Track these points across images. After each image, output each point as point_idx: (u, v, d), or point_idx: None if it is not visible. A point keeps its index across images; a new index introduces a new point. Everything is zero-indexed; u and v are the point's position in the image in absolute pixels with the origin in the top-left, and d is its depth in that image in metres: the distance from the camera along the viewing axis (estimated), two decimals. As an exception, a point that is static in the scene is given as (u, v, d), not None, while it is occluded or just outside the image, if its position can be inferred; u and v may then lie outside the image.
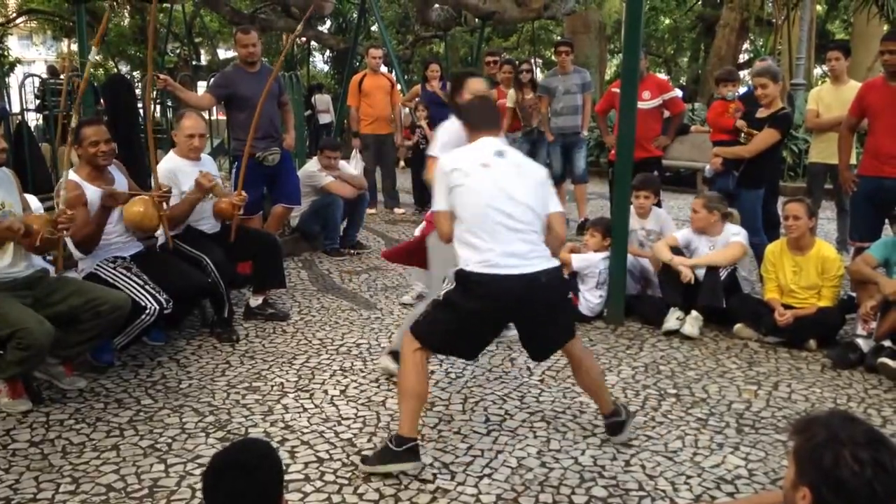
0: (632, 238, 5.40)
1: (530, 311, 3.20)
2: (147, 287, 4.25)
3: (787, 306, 4.78)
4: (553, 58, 8.66)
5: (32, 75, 7.42)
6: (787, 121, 5.63)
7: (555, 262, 3.24)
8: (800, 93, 10.83)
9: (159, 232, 4.81)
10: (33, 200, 4.40)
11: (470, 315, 3.15)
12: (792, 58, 12.55)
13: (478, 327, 3.25)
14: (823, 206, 7.13)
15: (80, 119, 4.15)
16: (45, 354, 3.68)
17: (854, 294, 4.83)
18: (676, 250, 5.14)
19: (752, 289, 5.43)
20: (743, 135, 5.77)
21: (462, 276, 3.14)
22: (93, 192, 4.26)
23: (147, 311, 4.16)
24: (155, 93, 9.84)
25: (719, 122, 6.37)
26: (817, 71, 19.93)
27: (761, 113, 5.67)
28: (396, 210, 9.34)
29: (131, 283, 4.23)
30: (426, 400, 3.39)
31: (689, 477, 3.21)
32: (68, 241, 4.27)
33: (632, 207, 5.50)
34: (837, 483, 1.68)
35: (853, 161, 5.75)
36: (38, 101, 8.87)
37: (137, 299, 4.14)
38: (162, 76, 5.58)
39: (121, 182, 4.48)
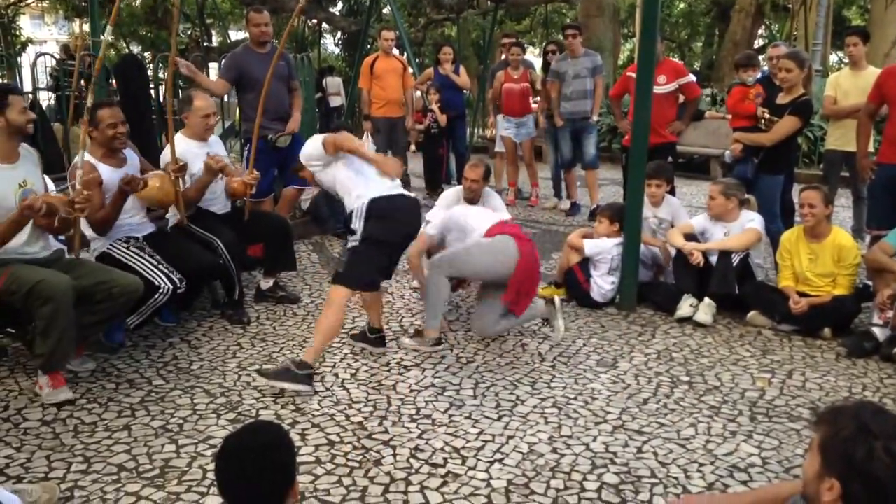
0: (644, 226, 5.35)
1: None
2: (160, 267, 4.24)
3: (802, 294, 4.74)
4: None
5: (45, 54, 7.39)
6: (808, 108, 5.55)
7: None
8: (816, 79, 10.72)
9: (170, 214, 4.81)
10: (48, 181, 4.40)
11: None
12: (808, 43, 12.42)
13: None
14: (839, 193, 7.07)
15: (94, 99, 4.13)
16: (70, 308, 3.57)
17: (870, 282, 4.78)
18: (692, 237, 5.11)
19: (767, 276, 5.39)
20: (763, 122, 5.69)
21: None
22: (108, 173, 4.25)
23: (160, 291, 4.15)
24: (163, 74, 9.82)
25: (740, 108, 6.28)
26: (833, 57, 19.74)
27: (781, 99, 5.60)
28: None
29: (145, 262, 4.23)
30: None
31: (701, 465, 3.19)
32: (83, 221, 4.26)
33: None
34: (869, 476, 1.66)
35: (871, 148, 5.68)
36: (51, 81, 8.86)
37: (151, 279, 4.13)
38: (183, 61, 5.55)
39: (133, 161, 4.47)
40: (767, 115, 5.66)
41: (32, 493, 2.78)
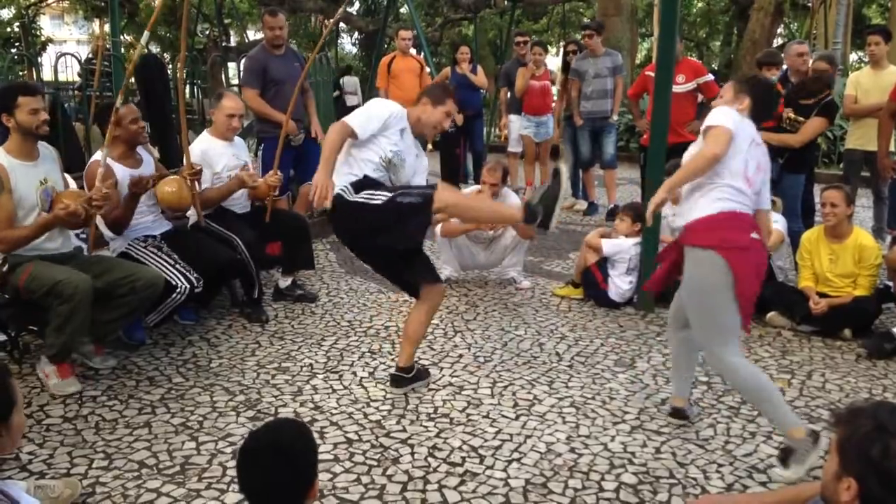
0: (662, 224, 5.33)
1: None
2: (178, 266, 4.27)
3: (822, 295, 4.70)
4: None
5: (66, 54, 7.46)
6: (835, 109, 5.54)
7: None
8: (836, 78, 10.62)
9: (190, 212, 4.84)
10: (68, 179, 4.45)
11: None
12: (828, 42, 12.33)
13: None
14: (859, 193, 7.00)
15: (122, 99, 4.17)
16: (88, 308, 3.61)
17: (891, 283, 4.74)
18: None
19: (786, 276, 5.36)
20: (788, 122, 5.64)
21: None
22: (123, 173, 4.29)
23: (178, 290, 4.18)
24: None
25: None
26: (853, 56, 19.59)
27: (806, 99, 5.56)
28: (424, 193, 9.30)
29: (162, 262, 4.26)
30: None
31: (720, 465, 3.18)
32: (99, 221, 4.31)
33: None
34: (886, 474, 1.66)
35: (892, 147, 5.64)
36: (79, 80, 8.94)
37: (168, 278, 4.16)
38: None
39: (148, 162, 4.52)
40: (793, 116, 5.62)
41: (55, 489, 2.81)
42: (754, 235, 3.18)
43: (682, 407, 3.55)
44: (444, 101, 3.81)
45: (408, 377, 3.84)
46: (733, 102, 3.27)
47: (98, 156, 4.30)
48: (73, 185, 4.25)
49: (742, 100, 3.26)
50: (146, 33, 4.53)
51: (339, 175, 3.64)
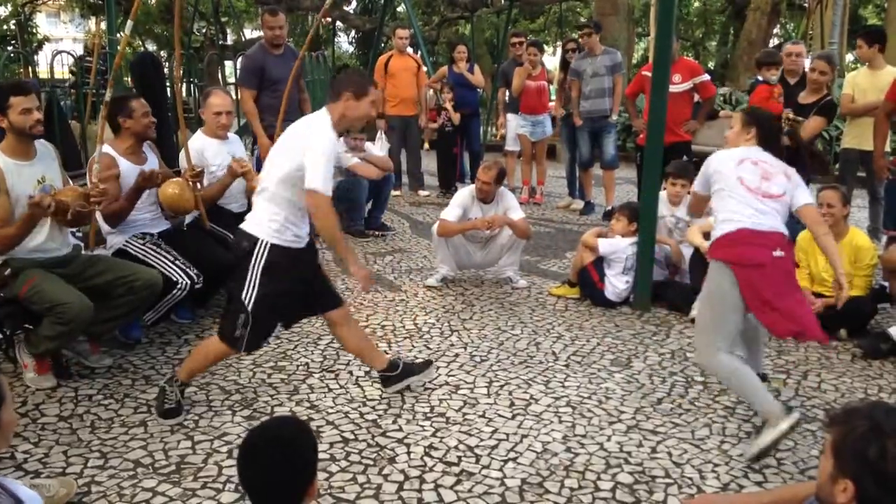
0: (659, 225, 5.33)
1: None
2: (177, 262, 4.26)
3: (817, 295, 4.71)
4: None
5: (63, 52, 7.44)
6: (834, 109, 5.58)
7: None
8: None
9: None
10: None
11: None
12: (824, 42, 12.35)
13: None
14: (854, 193, 7.01)
15: (115, 92, 4.16)
16: (80, 331, 3.69)
17: (887, 283, 4.75)
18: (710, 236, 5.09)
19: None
20: (787, 122, 5.65)
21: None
22: (127, 167, 4.28)
23: (178, 286, 4.18)
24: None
25: (766, 107, 6.25)
26: (849, 56, 19.62)
27: (804, 98, 5.57)
28: (421, 192, 9.31)
29: (161, 258, 4.25)
30: None
31: (716, 465, 3.18)
32: (98, 214, 4.29)
33: (663, 193, 5.44)
34: (882, 475, 1.66)
35: (887, 148, 5.66)
36: (72, 79, 8.93)
37: (168, 275, 4.15)
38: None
39: (153, 161, 4.51)
40: (792, 116, 5.63)
41: (50, 489, 2.80)
42: (778, 253, 3.30)
43: (762, 373, 3.77)
44: (368, 91, 3.51)
45: (395, 374, 3.79)
46: (741, 133, 3.66)
47: (104, 150, 4.25)
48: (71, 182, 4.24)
49: (749, 129, 3.63)
50: (129, 22, 4.51)
51: (262, 221, 3.44)
